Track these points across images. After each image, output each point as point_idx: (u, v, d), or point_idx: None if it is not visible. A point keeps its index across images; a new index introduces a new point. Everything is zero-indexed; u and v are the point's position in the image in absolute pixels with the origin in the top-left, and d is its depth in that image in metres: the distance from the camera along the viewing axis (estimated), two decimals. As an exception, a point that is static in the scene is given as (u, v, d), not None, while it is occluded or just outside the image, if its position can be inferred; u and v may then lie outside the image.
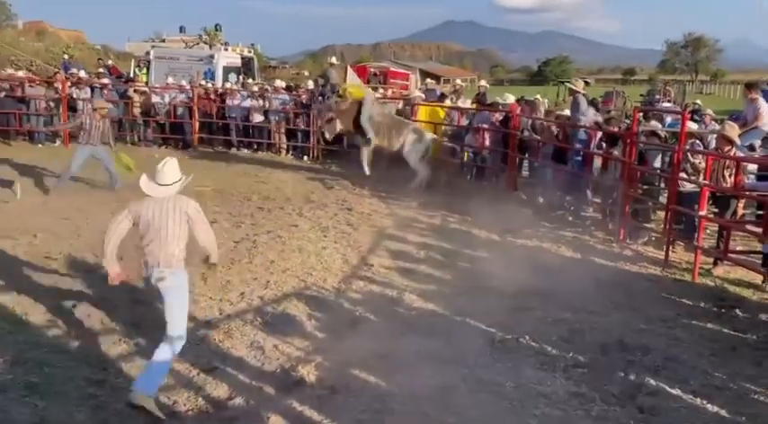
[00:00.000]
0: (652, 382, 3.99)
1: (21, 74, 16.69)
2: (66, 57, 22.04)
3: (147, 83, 16.02)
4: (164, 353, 3.65)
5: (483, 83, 14.21)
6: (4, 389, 3.62)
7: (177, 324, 3.71)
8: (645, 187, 7.76)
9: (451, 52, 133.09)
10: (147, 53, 18.01)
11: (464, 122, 11.50)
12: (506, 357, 4.33)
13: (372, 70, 25.59)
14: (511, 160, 10.04)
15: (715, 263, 6.41)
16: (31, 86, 13.70)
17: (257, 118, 13.31)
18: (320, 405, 3.65)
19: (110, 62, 20.27)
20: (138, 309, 4.85)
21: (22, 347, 4.13)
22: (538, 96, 13.29)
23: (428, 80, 21.57)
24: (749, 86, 8.78)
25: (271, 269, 5.91)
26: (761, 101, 8.39)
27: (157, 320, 4.64)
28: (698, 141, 7.64)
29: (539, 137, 9.70)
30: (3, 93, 13.21)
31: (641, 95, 21.86)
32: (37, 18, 45.72)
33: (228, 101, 13.61)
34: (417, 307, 5.23)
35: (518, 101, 12.11)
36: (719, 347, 4.60)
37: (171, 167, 3.89)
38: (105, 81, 14.50)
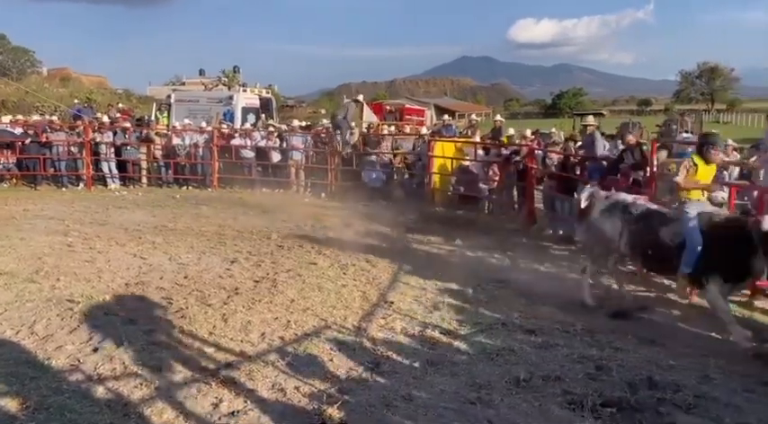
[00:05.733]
0: (684, 421, 3.86)
1: (48, 118, 17.16)
2: (75, 101, 22.68)
3: (168, 125, 16.39)
4: None
5: (499, 117, 14.31)
6: (27, 435, 3.60)
7: None
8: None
9: (466, 87, 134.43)
10: (168, 96, 18.46)
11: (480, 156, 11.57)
12: (532, 396, 4.21)
13: (388, 107, 25.94)
14: (528, 193, 10.03)
15: (752, 295, 6.26)
16: (51, 132, 13.98)
17: (275, 157, 13.50)
18: (343, 449, 3.56)
19: (120, 105, 20.80)
20: (159, 352, 4.83)
21: (44, 392, 4.12)
22: (554, 129, 13.34)
23: (445, 116, 21.79)
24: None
25: (291, 309, 5.88)
26: (783, 129, 8.33)
27: (177, 363, 4.65)
28: (725, 171, 7.59)
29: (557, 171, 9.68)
30: (29, 139, 13.56)
31: (657, 126, 21.78)
32: (61, 65, 47.16)
33: (237, 141, 13.81)
34: (440, 345, 5.15)
35: (533, 134, 12.18)
36: (752, 382, 4.46)
37: None
38: (127, 125, 14.84)
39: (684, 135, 12.61)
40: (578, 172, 9.18)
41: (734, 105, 63.32)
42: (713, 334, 5.42)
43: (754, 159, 7.86)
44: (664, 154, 8.25)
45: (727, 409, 4.05)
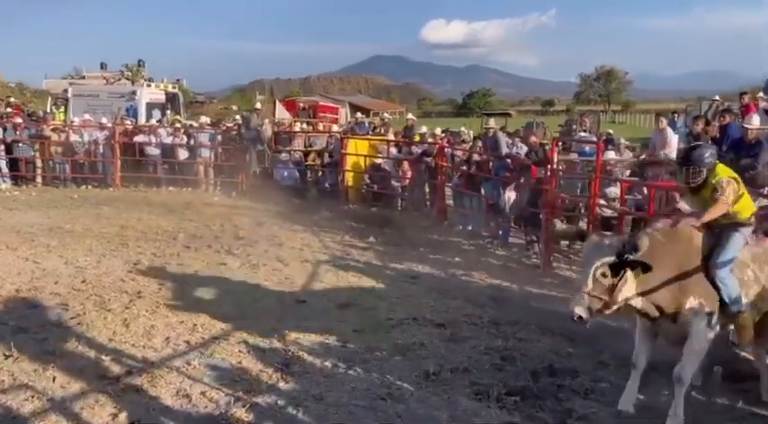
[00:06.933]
0: (582, 405, 4.08)
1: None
2: None
3: (64, 121, 15.46)
4: None
5: (410, 116, 14.52)
6: None
7: None
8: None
9: (380, 86, 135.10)
10: (65, 90, 17.45)
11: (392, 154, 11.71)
12: (441, 389, 4.31)
13: (301, 104, 25.68)
14: (439, 191, 10.24)
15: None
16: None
17: (182, 155, 13.04)
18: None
19: (11, 99, 19.42)
20: (53, 362, 4.53)
21: None
22: (462, 128, 13.71)
23: (358, 114, 21.87)
24: (659, 116, 9.44)
25: (198, 312, 5.70)
26: (669, 129, 8.98)
27: (73, 372, 4.39)
28: (616, 169, 8.07)
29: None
30: None
31: (560, 125, 22.91)
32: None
33: (141, 138, 13.25)
34: (352, 343, 5.15)
35: (444, 132, 12.47)
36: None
37: None
38: (18, 120, 13.84)
39: (582, 134, 13.39)
40: (482, 170, 9.47)
41: (628, 106, 67.42)
42: (609, 322, 5.74)
43: (643, 157, 8.43)
44: (574, 155, 8.74)
45: (621, 392, 4.30)
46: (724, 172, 3.99)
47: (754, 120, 7.61)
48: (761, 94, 10.33)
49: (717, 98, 13.98)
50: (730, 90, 23.12)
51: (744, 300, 3.92)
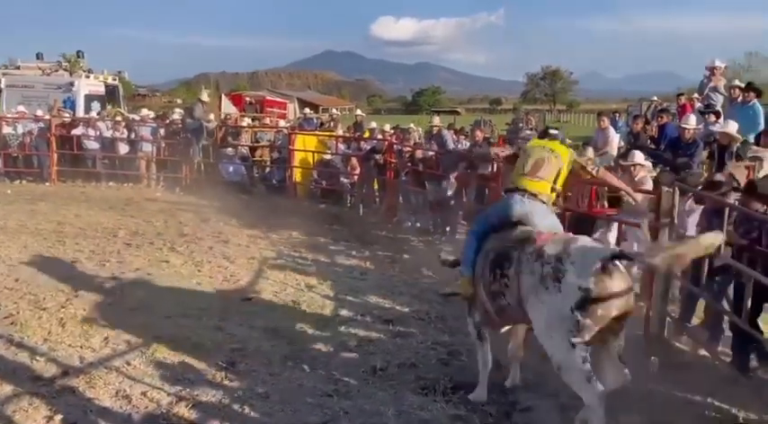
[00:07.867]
0: (525, 398, 4.16)
1: None
2: None
3: (-4, 112, 14.76)
4: None
5: (359, 112, 14.49)
6: None
7: None
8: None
9: (330, 82, 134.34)
10: (-2, 81, 16.66)
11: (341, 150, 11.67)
12: (388, 384, 4.32)
13: (248, 99, 25.31)
14: (390, 187, 10.27)
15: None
16: None
17: (123, 149, 12.64)
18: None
19: None
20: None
21: None
22: (412, 125, 13.79)
23: (306, 109, 21.69)
24: (600, 115, 9.71)
25: (139, 310, 5.53)
26: (610, 129, 9.26)
27: (5, 374, 4.19)
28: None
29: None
30: None
31: (507, 124, 23.32)
32: None
33: (80, 131, 12.76)
34: (299, 340, 5.10)
35: (394, 129, 12.51)
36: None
37: None
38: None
39: (528, 132, 13.69)
40: (428, 167, 9.54)
41: (572, 106, 69.32)
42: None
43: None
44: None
45: (564, 385, 4.40)
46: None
47: (691, 120, 7.89)
48: (695, 95, 10.74)
49: (655, 98, 14.52)
50: (669, 91, 24.03)
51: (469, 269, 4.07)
